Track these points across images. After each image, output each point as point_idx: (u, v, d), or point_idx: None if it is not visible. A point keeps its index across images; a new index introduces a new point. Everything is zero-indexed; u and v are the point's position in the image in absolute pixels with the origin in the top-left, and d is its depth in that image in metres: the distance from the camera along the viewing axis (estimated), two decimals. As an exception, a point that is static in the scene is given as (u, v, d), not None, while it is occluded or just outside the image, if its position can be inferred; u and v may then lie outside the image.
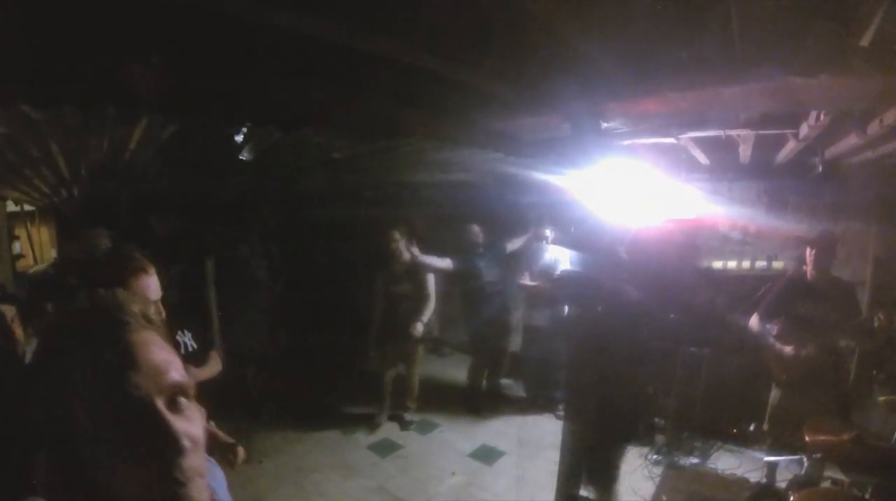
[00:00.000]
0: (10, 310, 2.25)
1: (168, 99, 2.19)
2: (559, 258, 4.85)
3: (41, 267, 4.30)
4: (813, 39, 1.81)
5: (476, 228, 5.04)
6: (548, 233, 4.97)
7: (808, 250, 3.34)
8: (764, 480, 3.57)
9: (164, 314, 1.73)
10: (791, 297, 3.40)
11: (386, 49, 1.92)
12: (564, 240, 4.91)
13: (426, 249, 4.71)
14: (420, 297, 4.71)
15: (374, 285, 4.78)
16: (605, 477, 3.36)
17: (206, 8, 1.72)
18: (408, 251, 4.63)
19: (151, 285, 1.82)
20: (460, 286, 5.18)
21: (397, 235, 4.64)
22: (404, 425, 4.85)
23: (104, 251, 3.71)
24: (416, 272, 4.69)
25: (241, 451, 2.19)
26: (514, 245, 5.10)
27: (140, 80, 2.05)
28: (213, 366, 2.43)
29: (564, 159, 3.36)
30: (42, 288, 3.16)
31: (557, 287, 4.63)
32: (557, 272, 4.80)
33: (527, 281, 4.96)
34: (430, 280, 4.73)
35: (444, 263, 4.84)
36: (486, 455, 4.35)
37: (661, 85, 2.40)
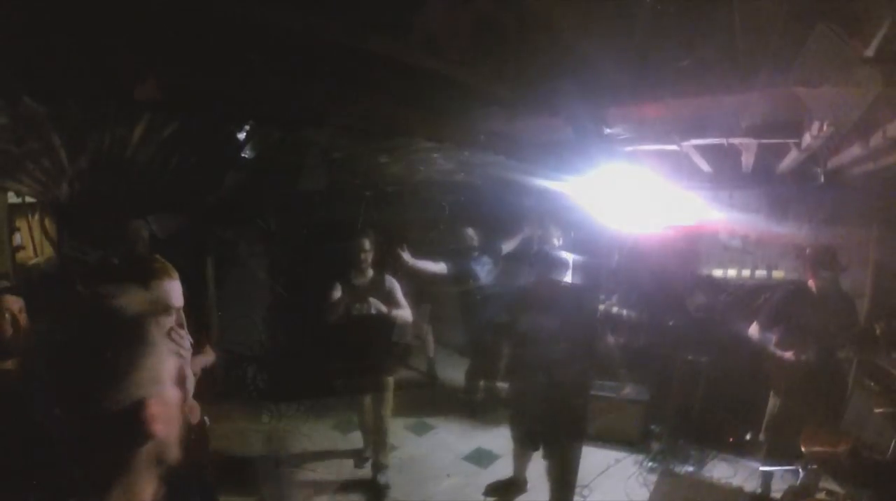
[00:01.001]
0: (17, 302, 2.27)
1: (169, 98, 2.20)
2: (566, 262, 4.83)
3: (41, 259, 4.31)
4: (816, 48, 1.81)
5: (470, 231, 5.01)
6: (556, 237, 4.95)
7: (812, 263, 3.35)
8: (759, 490, 3.56)
9: (185, 323, 1.73)
10: (791, 306, 3.39)
11: (386, 49, 1.92)
12: (570, 245, 4.89)
13: (420, 253, 4.66)
14: (394, 323, 3.90)
15: (328, 301, 3.86)
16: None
17: (208, 8, 1.72)
18: (373, 267, 3.95)
19: (174, 290, 1.73)
20: (457, 289, 5.15)
21: (367, 244, 3.93)
22: (380, 493, 3.86)
23: (144, 243, 3.79)
24: (383, 289, 3.91)
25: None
26: (508, 246, 5.08)
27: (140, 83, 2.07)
28: (207, 357, 2.41)
29: (566, 164, 3.35)
30: (46, 286, 3.17)
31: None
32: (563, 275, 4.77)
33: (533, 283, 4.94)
34: (401, 298, 3.97)
35: (439, 267, 4.76)
36: (481, 458, 4.33)
37: (662, 91, 2.40)
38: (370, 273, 3.94)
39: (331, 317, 3.82)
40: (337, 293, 3.86)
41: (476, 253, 4.96)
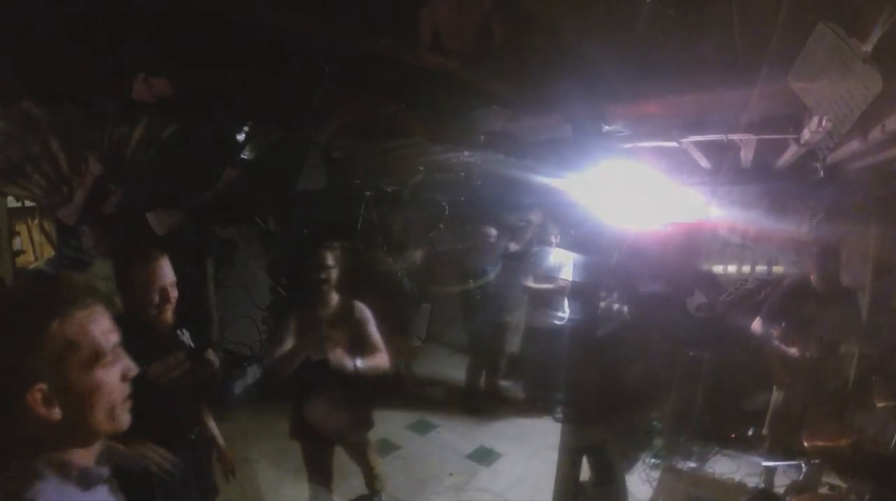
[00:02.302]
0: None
1: (168, 98, 2.20)
2: (563, 260, 4.86)
3: (41, 262, 4.31)
4: (816, 47, 1.81)
5: (492, 231, 5.03)
6: (554, 236, 4.97)
7: (813, 259, 3.36)
8: (762, 485, 3.57)
9: (175, 296, 2.02)
10: (793, 301, 3.41)
11: (386, 49, 1.92)
12: (567, 243, 4.91)
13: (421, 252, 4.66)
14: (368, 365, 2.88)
15: (277, 352, 2.88)
16: (606, 478, 3.39)
17: (208, 8, 1.72)
18: (338, 291, 2.98)
19: (165, 269, 2.03)
20: (462, 286, 5.17)
21: (330, 260, 2.93)
22: None
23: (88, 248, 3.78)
24: (351, 322, 2.95)
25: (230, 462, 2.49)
26: (515, 246, 5.10)
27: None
28: (211, 363, 2.43)
29: (565, 161, 3.36)
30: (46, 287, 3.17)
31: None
32: (561, 275, 4.81)
33: (531, 283, 4.97)
34: (376, 334, 3.01)
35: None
36: (484, 456, 4.34)
37: (662, 87, 2.41)
38: (334, 299, 2.98)
39: (283, 373, 2.86)
40: (287, 340, 2.88)
41: (492, 253, 5.00)
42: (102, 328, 1.01)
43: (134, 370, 1.06)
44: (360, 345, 2.92)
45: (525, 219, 5.20)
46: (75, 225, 3.39)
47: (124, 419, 1.05)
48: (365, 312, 3.04)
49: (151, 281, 1.99)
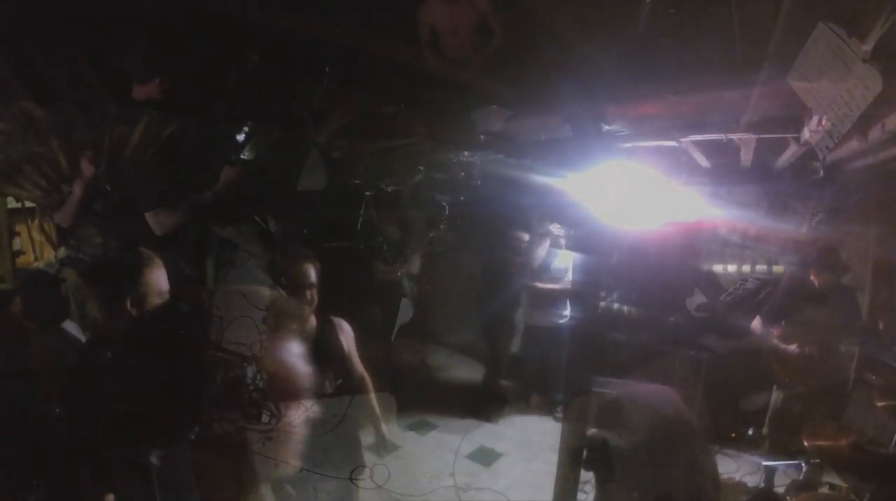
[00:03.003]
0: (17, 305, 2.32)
1: (168, 98, 2.20)
2: (567, 261, 4.86)
3: (41, 263, 4.30)
4: (816, 47, 1.81)
5: (525, 236, 5.01)
6: (561, 237, 4.96)
7: (815, 262, 3.37)
8: (762, 484, 3.56)
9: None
10: (794, 300, 3.41)
11: (386, 49, 1.93)
12: (568, 243, 4.91)
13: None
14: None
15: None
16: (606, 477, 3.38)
17: (208, 8, 1.72)
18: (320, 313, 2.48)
19: (160, 279, 1.95)
20: (484, 289, 5.17)
21: (312, 275, 2.42)
22: None
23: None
24: (336, 348, 2.53)
25: None
26: (541, 253, 5.05)
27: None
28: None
29: (565, 161, 3.36)
30: (44, 285, 3.18)
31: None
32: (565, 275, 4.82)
33: (537, 282, 4.96)
34: (357, 358, 2.63)
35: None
36: (484, 456, 4.34)
37: (662, 87, 2.41)
38: (311, 323, 2.46)
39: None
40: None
41: (517, 257, 4.99)
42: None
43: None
44: (344, 373, 2.52)
45: (551, 225, 5.16)
46: (70, 227, 3.39)
47: None
48: (346, 329, 2.60)
49: (158, 284, 1.97)
